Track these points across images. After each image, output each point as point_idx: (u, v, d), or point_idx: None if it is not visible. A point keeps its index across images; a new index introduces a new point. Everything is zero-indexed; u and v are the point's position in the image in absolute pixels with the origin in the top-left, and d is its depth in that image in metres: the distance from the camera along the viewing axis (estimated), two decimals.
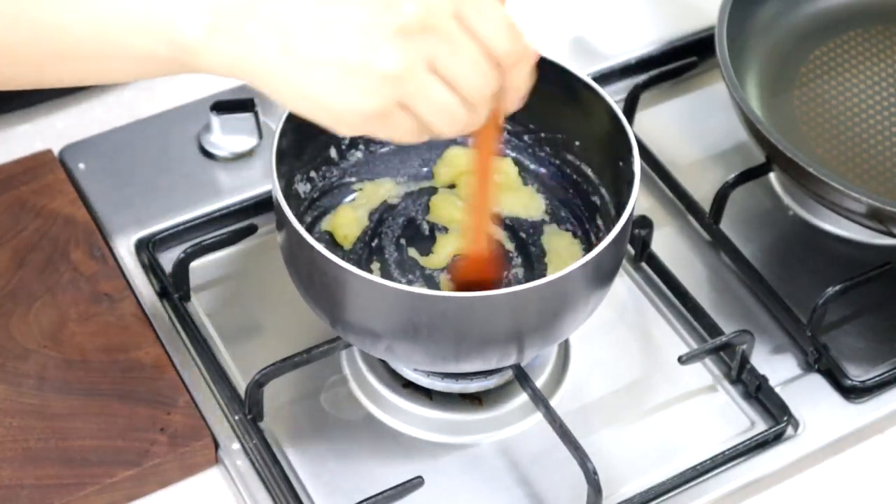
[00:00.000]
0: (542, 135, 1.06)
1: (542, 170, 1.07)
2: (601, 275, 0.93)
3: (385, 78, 0.75)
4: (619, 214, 0.95)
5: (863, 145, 1.15)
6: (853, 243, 1.15)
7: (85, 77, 0.82)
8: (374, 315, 0.91)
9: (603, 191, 1.03)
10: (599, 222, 1.03)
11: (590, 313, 0.96)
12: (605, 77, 1.25)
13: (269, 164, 1.15)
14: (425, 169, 1.08)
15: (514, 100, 0.82)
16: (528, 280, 1.02)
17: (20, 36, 0.78)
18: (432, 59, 0.76)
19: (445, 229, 1.05)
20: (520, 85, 0.81)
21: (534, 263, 1.03)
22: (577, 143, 1.04)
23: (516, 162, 1.07)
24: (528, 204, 1.06)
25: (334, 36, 0.75)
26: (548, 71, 0.99)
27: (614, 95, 1.23)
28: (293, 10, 0.75)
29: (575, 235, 1.05)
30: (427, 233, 1.05)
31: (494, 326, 0.90)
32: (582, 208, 1.05)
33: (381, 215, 1.05)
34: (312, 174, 1.03)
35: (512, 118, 1.05)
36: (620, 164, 0.97)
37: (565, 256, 1.03)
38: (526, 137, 1.07)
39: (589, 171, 1.04)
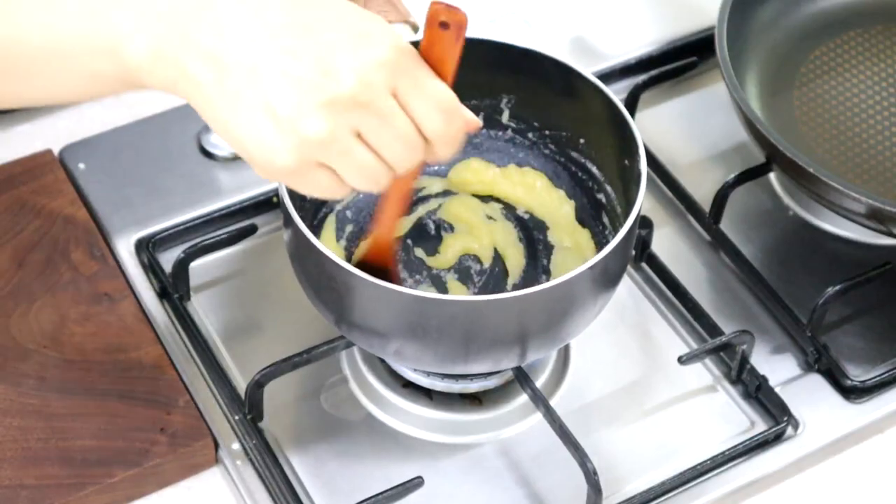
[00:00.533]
0: (547, 132, 1.06)
1: (547, 167, 1.07)
2: (607, 277, 0.94)
3: (307, 141, 0.76)
4: (625, 212, 0.95)
5: (863, 145, 1.15)
6: (853, 243, 1.15)
7: (35, 96, 0.84)
8: (384, 319, 0.91)
9: (608, 188, 1.03)
10: (605, 220, 1.03)
11: (596, 315, 0.96)
12: (605, 77, 1.25)
13: None
14: (434, 168, 1.08)
15: (442, 159, 0.83)
16: (531, 274, 1.02)
17: None
18: (359, 129, 0.77)
19: (451, 228, 1.05)
20: (449, 153, 0.82)
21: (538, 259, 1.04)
22: (581, 140, 1.04)
23: (526, 164, 1.08)
24: (557, 209, 1.06)
25: (268, 84, 0.76)
26: (552, 69, 0.99)
27: (614, 95, 1.24)
28: (234, 48, 0.76)
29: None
30: (433, 232, 1.05)
31: (501, 328, 0.91)
32: (587, 206, 1.05)
33: None
34: None
35: (516, 116, 1.06)
36: (626, 162, 0.97)
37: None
38: (530, 135, 1.07)
39: (594, 169, 1.04)
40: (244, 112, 0.76)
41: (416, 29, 1.04)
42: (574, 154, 1.05)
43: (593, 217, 1.05)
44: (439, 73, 0.80)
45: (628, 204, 0.94)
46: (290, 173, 0.78)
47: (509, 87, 1.04)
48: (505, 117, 1.06)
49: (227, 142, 0.79)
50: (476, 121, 0.83)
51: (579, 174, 1.05)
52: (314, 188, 0.80)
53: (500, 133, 1.07)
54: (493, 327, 0.90)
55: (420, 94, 0.78)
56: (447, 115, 0.79)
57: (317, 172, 0.79)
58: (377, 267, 0.94)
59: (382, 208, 0.92)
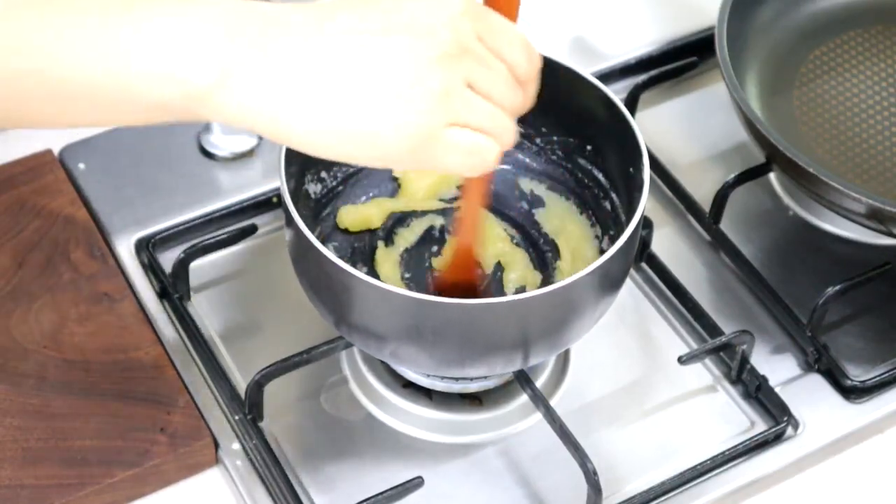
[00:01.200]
0: (555, 138, 1.06)
1: (555, 174, 1.07)
2: (609, 282, 0.93)
3: (435, 95, 0.76)
4: (628, 219, 0.95)
5: (863, 145, 1.15)
6: (853, 243, 1.15)
7: (87, 121, 0.80)
8: (380, 319, 0.91)
9: (614, 196, 1.03)
10: (611, 230, 1.03)
11: (596, 321, 0.96)
12: (605, 77, 1.25)
13: (270, 164, 1.16)
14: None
15: (526, 108, 0.84)
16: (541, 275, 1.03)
17: (25, 77, 0.75)
18: (469, 78, 0.78)
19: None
20: (531, 95, 0.83)
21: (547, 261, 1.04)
22: (588, 147, 1.04)
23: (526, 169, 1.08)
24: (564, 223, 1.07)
25: (375, 66, 0.75)
26: (560, 75, 0.99)
27: (614, 95, 1.24)
28: (320, 48, 0.75)
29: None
30: (437, 234, 1.05)
31: (500, 333, 0.91)
32: (593, 214, 1.05)
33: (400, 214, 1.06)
34: (323, 174, 1.03)
35: (524, 121, 1.05)
36: (631, 170, 0.97)
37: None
38: (538, 140, 1.06)
39: (600, 176, 1.04)
40: (359, 103, 0.75)
41: None
42: (581, 161, 1.05)
43: (598, 224, 1.05)
44: (508, 17, 0.82)
45: (631, 211, 0.94)
46: (424, 141, 0.77)
47: None
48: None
49: (336, 153, 0.77)
50: (539, 56, 0.84)
51: (585, 181, 1.05)
52: (448, 156, 0.79)
53: None
54: (490, 331, 0.90)
55: (500, 37, 0.79)
56: (528, 52, 0.81)
57: (447, 138, 0.78)
58: (460, 285, 0.95)
59: (464, 210, 0.92)
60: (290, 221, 0.92)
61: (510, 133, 0.81)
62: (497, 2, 0.83)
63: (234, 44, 0.74)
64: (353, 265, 1.01)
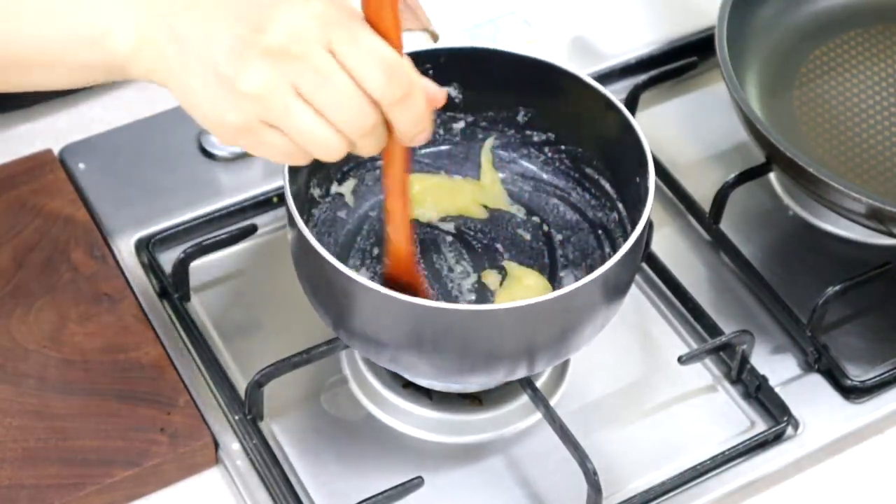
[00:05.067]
0: (563, 147, 1.06)
1: (563, 184, 1.07)
2: (612, 290, 0.93)
3: (245, 95, 0.77)
4: (633, 228, 0.95)
5: (863, 145, 1.15)
6: (853, 243, 1.15)
7: (32, 83, 0.86)
8: (379, 324, 0.91)
9: (620, 206, 1.03)
10: (619, 239, 1.03)
11: (601, 328, 0.96)
12: (605, 77, 1.25)
13: (270, 164, 1.16)
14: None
15: (410, 137, 0.81)
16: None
17: None
18: (297, 85, 0.77)
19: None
20: (409, 123, 0.80)
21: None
22: (595, 159, 1.04)
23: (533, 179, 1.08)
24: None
25: (213, 47, 0.78)
26: (566, 83, 1.00)
27: (614, 95, 1.24)
28: (192, 23, 0.79)
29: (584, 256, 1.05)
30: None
31: (502, 341, 0.90)
32: (599, 225, 1.05)
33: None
34: (329, 177, 1.04)
35: (533, 126, 1.05)
36: (637, 179, 0.97)
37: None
38: (547, 150, 1.06)
39: (607, 186, 1.04)
40: (196, 78, 0.79)
41: (436, 38, 1.03)
42: (588, 171, 1.05)
43: (605, 235, 1.05)
44: (383, 35, 0.79)
45: (635, 222, 0.94)
46: (241, 132, 0.79)
47: (525, 100, 1.04)
48: (523, 131, 1.06)
49: (193, 115, 0.81)
50: (438, 92, 0.81)
51: (593, 190, 1.05)
52: (269, 151, 0.80)
53: (518, 148, 1.07)
54: (491, 339, 0.90)
55: (356, 49, 0.77)
56: (389, 73, 0.77)
57: (268, 133, 0.79)
58: (406, 282, 0.94)
59: (387, 208, 0.91)
60: (291, 222, 0.92)
61: (339, 149, 0.79)
62: (375, 19, 0.79)
63: (146, 12, 0.80)
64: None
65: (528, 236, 1.06)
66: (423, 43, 1.02)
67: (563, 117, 1.04)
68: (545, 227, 1.06)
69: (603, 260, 1.03)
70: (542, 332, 0.91)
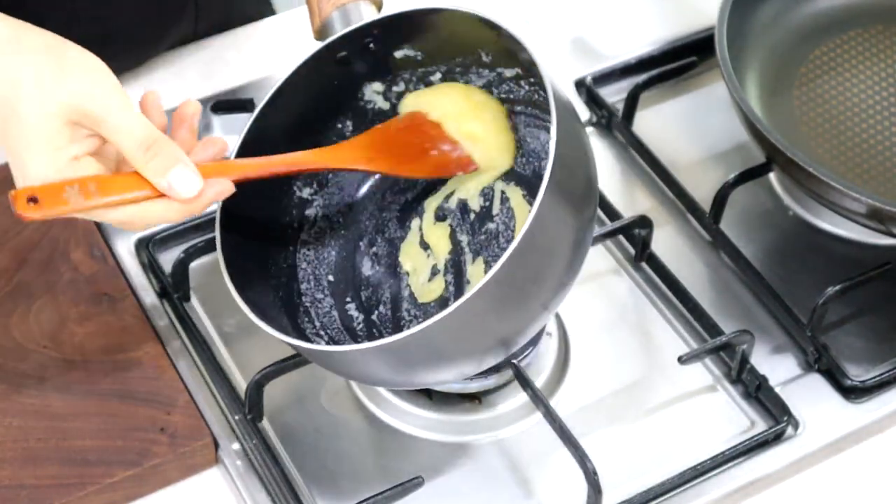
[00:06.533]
0: (532, 80, 1.00)
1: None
2: (551, 245, 0.87)
3: None
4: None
5: (863, 145, 1.15)
6: (853, 243, 1.15)
7: None
8: (343, 370, 0.93)
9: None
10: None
11: (568, 284, 0.91)
12: (606, 77, 1.25)
13: None
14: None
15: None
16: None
17: None
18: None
19: None
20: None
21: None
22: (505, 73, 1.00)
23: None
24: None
25: None
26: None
27: (614, 95, 1.24)
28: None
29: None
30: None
31: (464, 342, 0.88)
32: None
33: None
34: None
35: (498, 63, 1.00)
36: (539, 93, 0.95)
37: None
38: (523, 83, 1.00)
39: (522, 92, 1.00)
40: None
41: (379, 6, 1.01)
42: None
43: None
44: None
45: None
46: None
47: (475, 44, 0.99)
48: (493, 69, 1.01)
49: None
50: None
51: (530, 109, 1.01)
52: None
53: (499, 87, 1.02)
54: (456, 343, 0.88)
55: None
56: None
57: None
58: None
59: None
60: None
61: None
62: None
63: None
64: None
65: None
66: (366, 13, 1.00)
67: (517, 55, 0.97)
68: (536, 166, 1.02)
69: None
70: (495, 322, 0.87)
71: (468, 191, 1.03)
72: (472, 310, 0.84)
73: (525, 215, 0.94)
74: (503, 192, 1.02)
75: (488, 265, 1.00)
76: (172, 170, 0.85)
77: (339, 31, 0.98)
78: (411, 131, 1.00)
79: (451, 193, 1.04)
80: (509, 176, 1.02)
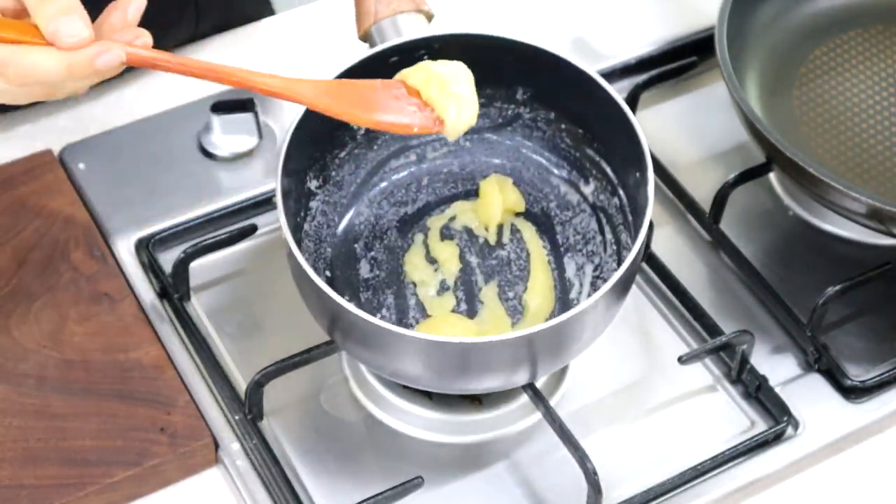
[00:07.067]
0: (563, 126, 1.06)
1: (565, 163, 1.07)
2: (613, 300, 0.94)
3: None
4: (636, 222, 0.95)
5: (863, 145, 1.15)
6: (853, 243, 1.15)
7: None
8: (372, 350, 0.93)
9: (621, 192, 1.02)
10: (620, 226, 1.03)
11: (602, 332, 0.97)
12: (605, 77, 1.24)
13: (270, 164, 1.16)
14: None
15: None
16: None
17: None
18: None
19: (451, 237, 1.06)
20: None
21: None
22: (596, 142, 1.04)
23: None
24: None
25: None
26: (567, 72, 0.99)
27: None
28: None
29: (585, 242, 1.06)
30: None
31: (499, 362, 0.92)
32: (600, 208, 1.05)
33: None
34: (325, 169, 1.04)
35: (533, 104, 1.05)
36: (637, 174, 0.97)
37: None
38: (546, 127, 1.06)
39: (608, 170, 1.04)
40: None
41: (430, 18, 1.03)
42: (590, 152, 1.05)
43: (605, 219, 1.05)
44: None
45: (634, 212, 0.94)
46: None
47: (524, 80, 1.04)
48: (521, 108, 1.06)
49: None
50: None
51: (594, 172, 1.05)
52: None
53: (515, 123, 1.07)
54: (489, 362, 0.91)
55: None
56: None
57: None
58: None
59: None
60: (290, 254, 0.92)
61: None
62: None
63: None
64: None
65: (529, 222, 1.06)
66: (416, 24, 1.01)
67: (563, 99, 1.03)
68: (545, 206, 1.07)
69: (604, 246, 1.03)
70: (543, 348, 0.92)
71: (472, 220, 1.07)
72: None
73: (538, 249, 1.04)
74: (513, 224, 1.06)
75: (502, 289, 1.03)
76: (64, 17, 0.82)
77: (391, 36, 1.00)
78: (380, 89, 0.95)
79: (454, 217, 1.07)
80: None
